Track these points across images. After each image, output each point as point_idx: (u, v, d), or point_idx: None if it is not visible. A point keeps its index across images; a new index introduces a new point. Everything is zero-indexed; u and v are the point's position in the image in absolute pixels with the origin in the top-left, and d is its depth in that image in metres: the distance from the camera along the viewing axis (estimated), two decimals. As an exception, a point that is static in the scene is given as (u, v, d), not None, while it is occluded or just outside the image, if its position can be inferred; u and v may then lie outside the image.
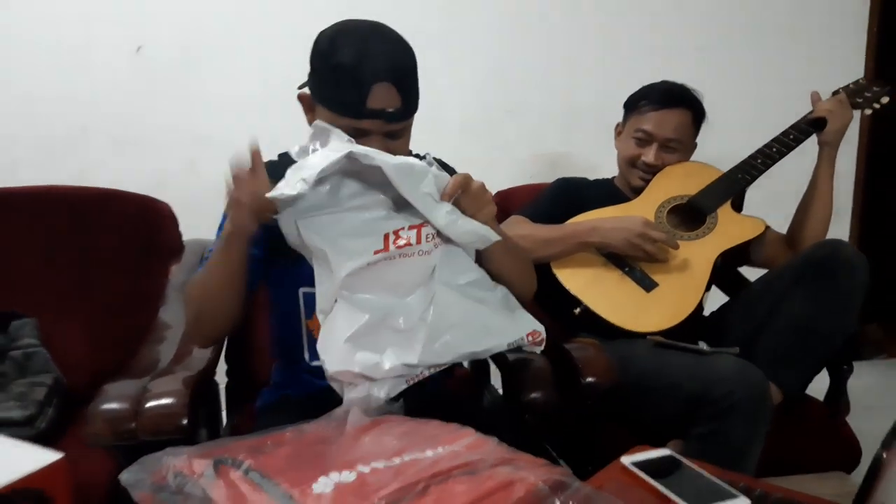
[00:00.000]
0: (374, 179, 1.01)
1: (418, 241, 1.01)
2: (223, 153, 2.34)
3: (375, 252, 0.99)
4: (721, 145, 2.09)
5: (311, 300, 1.12)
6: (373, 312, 0.98)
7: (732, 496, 0.81)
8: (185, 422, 1.07)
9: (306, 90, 1.17)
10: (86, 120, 2.22)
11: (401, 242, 1.00)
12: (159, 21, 2.20)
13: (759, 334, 1.44)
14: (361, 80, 1.06)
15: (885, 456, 0.42)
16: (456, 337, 1.00)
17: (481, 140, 2.44)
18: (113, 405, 1.09)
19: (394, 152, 1.10)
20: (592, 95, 2.45)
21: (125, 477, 0.80)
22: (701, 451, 1.19)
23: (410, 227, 1.01)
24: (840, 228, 2.83)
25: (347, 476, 0.66)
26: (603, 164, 1.85)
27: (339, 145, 0.98)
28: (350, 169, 1.00)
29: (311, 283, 1.10)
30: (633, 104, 1.73)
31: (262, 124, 2.23)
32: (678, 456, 0.92)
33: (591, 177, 1.87)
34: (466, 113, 2.41)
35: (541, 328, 1.10)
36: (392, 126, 1.11)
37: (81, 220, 1.65)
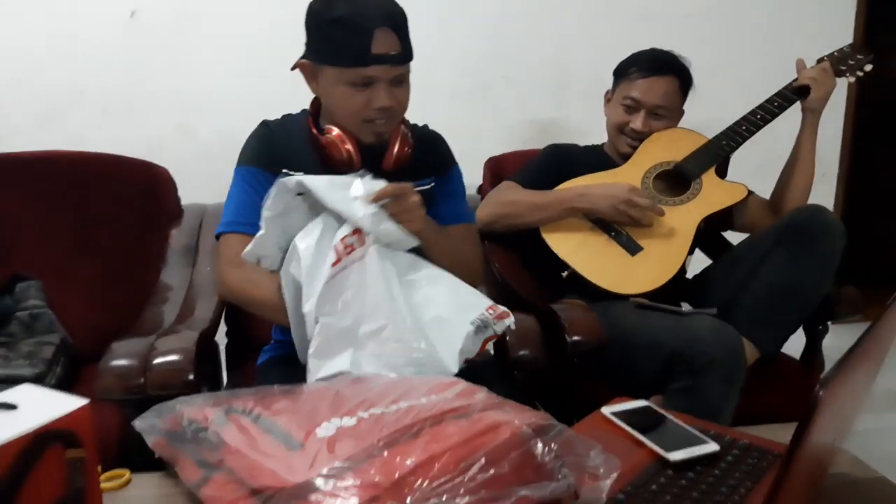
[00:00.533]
0: (314, 205, 1.09)
1: (362, 244, 1.06)
2: (216, 117, 2.37)
3: (332, 265, 1.03)
4: (709, 111, 2.12)
5: None
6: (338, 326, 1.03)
7: (703, 442, 0.88)
8: (191, 377, 1.14)
9: (304, 61, 1.22)
10: (81, 85, 2.23)
11: (349, 249, 1.05)
12: (152, -14, 2.21)
13: (738, 295, 1.50)
14: (363, 27, 1.13)
15: (821, 394, 0.47)
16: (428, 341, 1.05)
17: (473, 106, 2.46)
18: (122, 361, 1.15)
19: (400, 101, 1.22)
20: (583, 62, 2.47)
21: (139, 424, 0.85)
22: (678, 405, 1.25)
23: (353, 233, 1.06)
24: (826, 191, 2.88)
25: (348, 421, 0.72)
26: (593, 129, 1.89)
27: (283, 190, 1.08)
28: (292, 205, 1.09)
29: None
30: (623, 71, 1.77)
31: (254, 88, 2.27)
32: (654, 406, 0.98)
33: (582, 143, 1.91)
34: (458, 80, 2.43)
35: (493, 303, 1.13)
36: (396, 70, 1.18)
37: (82, 184, 1.69)
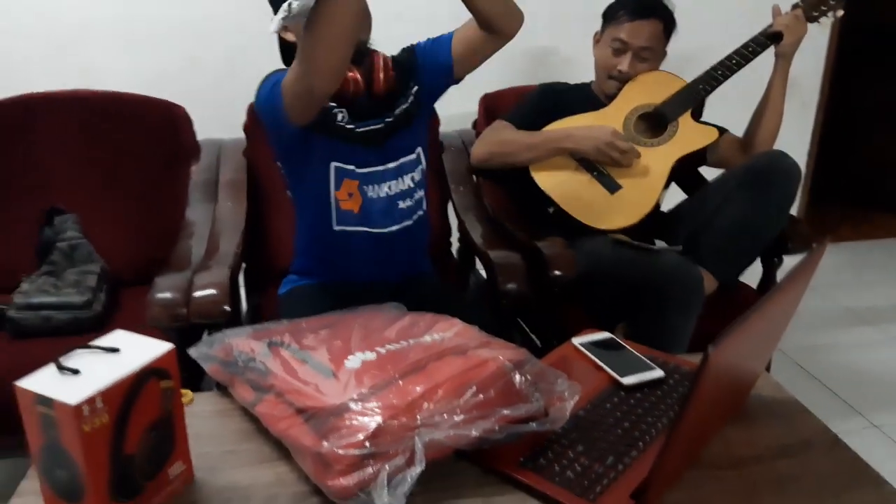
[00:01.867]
0: None
1: None
2: (222, 47, 2.45)
3: None
4: (700, 40, 2.24)
5: (340, 173, 1.39)
6: None
7: (651, 368, 1.08)
8: (226, 307, 1.33)
9: None
10: (89, 19, 2.30)
11: None
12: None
13: (703, 230, 1.69)
14: None
15: (710, 351, 0.66)
16: None
17: (470, 35, 2.54)
18: (167, 294, 1.34)
19: None
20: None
21: (194, 352, 1.05)
22: (643, 330, 1.47)
23: None
24: (806, 120, 3.01)
25: (370, 355, 0.91)
26: (584, 60, 1.99)
27: None
28: None
29: (343, 159, 1.38)
30: (611, 14, 1.88)
31: (258, 17, 2.34)
32: (615, 338, 1.18)
33: (573, 75, 2.03)
34: (457, 13, 2.49)
35: None
36: None
37: (111, 122, 1.83)
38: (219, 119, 1.99)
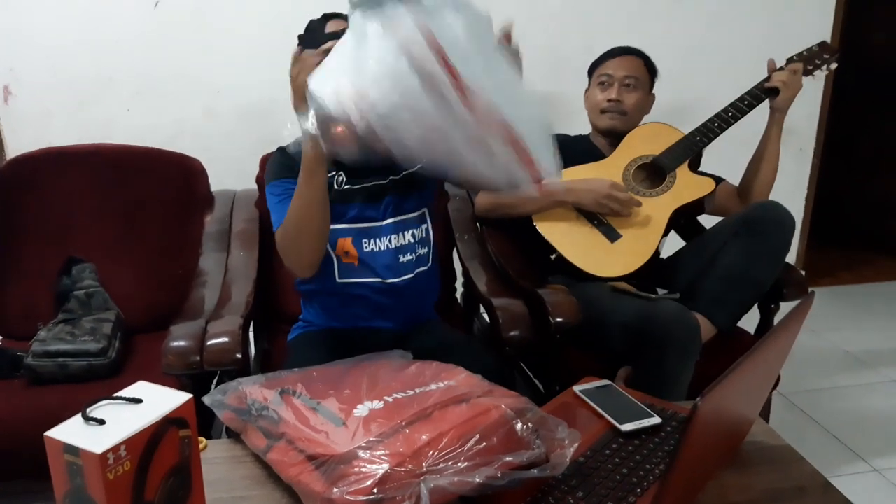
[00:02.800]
0: None
1: None
2: (236, 102, 2.55)
3: None
4: (698, 91, 2.31)
5: (334, 234, 1.42)
6: None
7: (649, 415, 1.12)
8: (239, 356, 1.38)
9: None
10: (110, 72, 2.40)
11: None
12: (174, -23, 2.36)
13: (701, 278, 1.73)
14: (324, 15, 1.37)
15: (699, 402, 0.70)
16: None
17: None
18: (181, 343, 1.39)
19: None
20: (577, 45, 2.61)
21: (208, 400, 1.09)
22: (643, 375, 1.51)
23: None
24: (803, 166, 3.08)
25: (377, 404, 0.96)
26: (583, 109, 2.06)
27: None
28: None
29: (336, 220, 1.41)
30: (594, 65, 1.99)
31: (271, 74, 2.43)
32: (615, 385, 1.22)
33: (572, 124, 2.10)
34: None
35: None
36: None
37: (127, 175, 1.90)
38: (232, 170, 2.07)
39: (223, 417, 1.07)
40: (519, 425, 0.95)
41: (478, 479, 0.86)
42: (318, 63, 1.09)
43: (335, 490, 0.83)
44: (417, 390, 1.01)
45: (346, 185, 1.46)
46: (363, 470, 0.84)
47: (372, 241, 1.47)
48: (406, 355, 1.17)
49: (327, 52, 1.10)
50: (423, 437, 0.89)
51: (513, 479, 0.88)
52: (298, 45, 1.41)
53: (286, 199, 1.39)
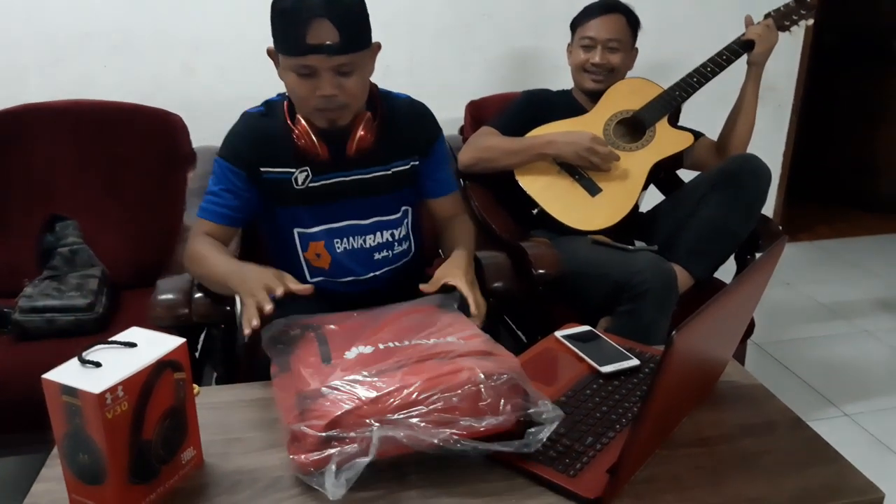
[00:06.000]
0: None
1: None
2: (215, 58, 2.52)
3: None
4: (675, 47, 2.32)
5: (305, 237, 1.39)
6: None
7: (628, 358, 1.16)
8: (227, 308, 1.40)
9: (271, 47, 1.30)
10: (86, 27, 2.35)
11: None
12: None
13: (679, 230, 1.77)
14: (299, 18, 1.19)
15: (674, 335, 0.74)
16: None
17: (456, 42, 2.61)
18: (170, 296, 1.41)
19: (347, 89, 1.25)
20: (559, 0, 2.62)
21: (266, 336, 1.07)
22: (622, 325, 1.55)
23: None
24: (781, 122, 3.12)
25: (367, 349, 0.98)
26: (566, 64, 2.07)
27: None
28: None
29: (305, 224, 1.38)
30: (577, 22, 1.99)
31: (250, 29, 2.41)
32: (595, 330, 1.26)
33: (555, 78, 2.11)
34: (442, 18, 2.57)
35: None
36: (335, 60, 1.21)
37: (109, 131, 1.89)
38: (213, 127, 2.05)
39: (264, 345, 1.06)
40: (485, 390, 0.91)
41: (433, 440, 0.86)
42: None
43: (297, 424, 0.87)
44: (412, 342, 1.00)
45: (310, 182, 1.36)
46: (324, 408, 0.87)
47: (345, 240, 1.40)
48: (448, 300, 1.15)
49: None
50: (388, 387, 0.90)
51: (474, 448, 0.87)
52: (274, 54, 1.29)
53: (221, 187, 1.35)
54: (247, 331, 1.11)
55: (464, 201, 1.97)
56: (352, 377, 0.92)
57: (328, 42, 1.20)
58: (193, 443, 0.93)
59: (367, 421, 0.87)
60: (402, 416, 0.88)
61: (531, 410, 0.92)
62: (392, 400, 0.89)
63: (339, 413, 0.86)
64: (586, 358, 1.17)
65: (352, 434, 0.86)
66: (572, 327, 1.28)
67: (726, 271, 1.85)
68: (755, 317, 1.77)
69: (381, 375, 0.92)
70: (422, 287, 1.27)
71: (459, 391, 0.90)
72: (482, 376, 0.92)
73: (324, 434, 0.85)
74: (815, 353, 2.45)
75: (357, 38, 1.25)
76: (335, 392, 0.89)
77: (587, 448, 0.94)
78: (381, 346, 0.99)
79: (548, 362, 1.19)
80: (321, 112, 1.29)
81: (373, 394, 0.89)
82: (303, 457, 0.86)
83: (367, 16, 1.27)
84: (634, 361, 1.16)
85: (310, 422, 0.87)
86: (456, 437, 0.87)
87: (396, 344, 1.00)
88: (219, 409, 1.08)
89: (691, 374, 0.95)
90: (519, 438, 0.90)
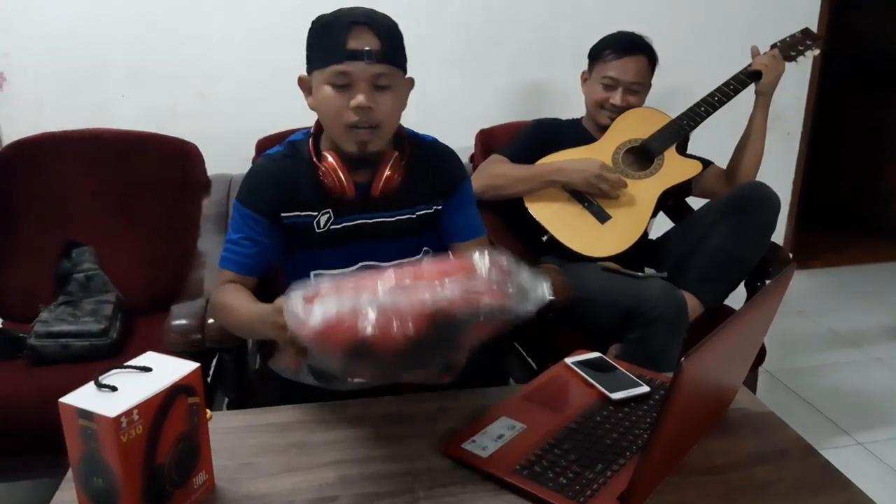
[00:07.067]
0: None
1: None
2: (229, 86, 2.57)
3: None
4: (692, 75, 2.35)
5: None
6: None
7: (638, 385, 1.16)
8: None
9: (302, 75, 1.29)
10: (104, 57, 2.41)
11: None
12: (168, -36, 2.37)
13: (689, 257, 1.77)
14: (341, 25, 1.19)
15: (683, 361, 0.74)
16: None
17: (467, 72, 2.66)
18: (183, 321, 1.42)
19: (382, 107, 1.22)
20: (569, 30, 2.66)
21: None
22: (632, 352, 1.56)
23: None
24: (790, 149, 3.13)
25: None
26: (575, 94, 2.10)
27: None
28: None
29: (322, 267, 1.34)
30: (597, 54, 1.99)
31: (261, 59, 2.47)
32: (605, 357, 1.27)
33: (564, 107, 2.13)
34: (452, 48, 2.62)
35: None
36: (374, 69, 1.19)
37: (125, 159, 1.93)
38: (227, 154, 2.09)
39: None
40: (479, 265, 0.91)
41: (427, 296, 0.84)
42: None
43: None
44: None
45: (332, 224, 1.32)
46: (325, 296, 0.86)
47: None
48: None
49: None
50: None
51: (489, 314, 0.87)
52: (306, 81, 1.29)
53: (242, 234, 1.31)
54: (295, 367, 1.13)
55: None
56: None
57: (368, 48, 1.19)
58: (206, 467, 0.94)
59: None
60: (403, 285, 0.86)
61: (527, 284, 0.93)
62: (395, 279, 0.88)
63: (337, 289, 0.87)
64: (596, 384, 1.17)
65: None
66: (582, 354, 1.29)
67: (737, 298, 1.85)
68: (766, 344, 1.77)
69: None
70: None
71: (454, 266, 0.91)
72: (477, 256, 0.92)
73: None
74: (828, 381, 2.44)
75: (396, 51, 1.24)
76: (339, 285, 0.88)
77: (597, 475, 0.94)
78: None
79: (558, 389, 1.19)
80: (353, 130, 1.24)
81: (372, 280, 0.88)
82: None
83: (403, 42, 1.26)
84: (644, 388, 1.16)
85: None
86: (446, 288, 0.85)
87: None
88: (230, 433, 1.08)
89: (701, 400, 0.95)
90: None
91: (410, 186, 1.33)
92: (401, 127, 1.36)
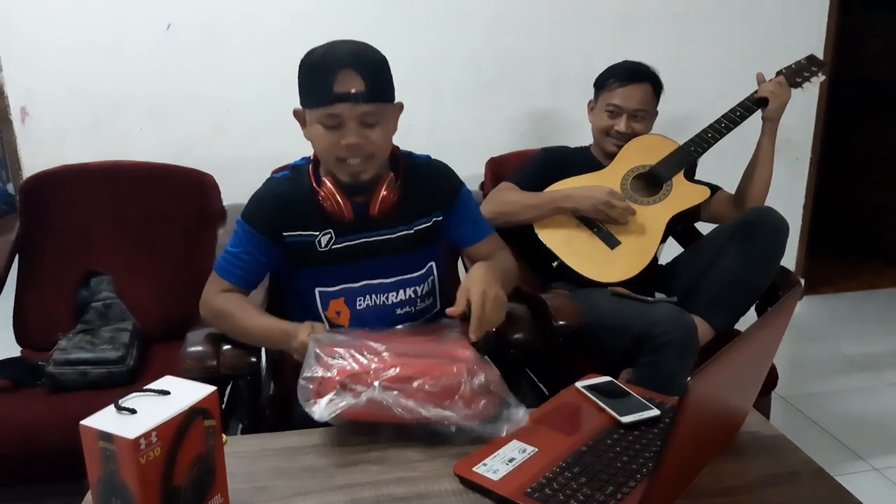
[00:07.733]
0: None
1: None
2: (245, 119, 2.63)
3: None
4: (694, 103, 2.38)
5: (326, 296, 1.42)
6: None
7: (648, 408, 1.17)
8: (253, 360, 1.43)
9: (297, 108, 1.36)
10: (124, 92, 2.48)
11: None
12: (186, 1, 2.44)
13: (699, 282, 1.79)
14: (327, 69, 1.25)
15: (690, 382, 0.75)
16: None
17: (476, 102, 2.70)
18: (199, 348, 1.44)
19: (372, 140, 1.29)
20: (576, 61, 2.70)
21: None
22: (643, 376, 1.56)
23: None
24: (800, 174, 3.14)
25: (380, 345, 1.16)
26: (582, 122, 2.13)
27: None
28: None
29: (325, 284, 1.41)
30: (602, 83, 2.03)
31: (277, 92, 2.51)
32: (615, 381, 1.28)
33: (572, 135, 2.16)
34: (463, 78, 2.67)
35: None
36: (360, 108, 1.26)
37: (143, 190, 1.97)
38: (242, 185, 2.13)
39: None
40: (464, 386, 1.10)
41: (418, 413, 1.07)
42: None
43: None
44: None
45: (333, 244, 1.39)
46: (327, 374, 1.11)
47: (367, 297, 1.41)
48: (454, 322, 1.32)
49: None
50: (392, 371, 1.10)
51: (461, 429, 1.07)
52: (301, 114, 1.36)
53: (241, 249, 1.40)
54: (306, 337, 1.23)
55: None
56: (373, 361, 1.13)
57: (354, 90, 1.25)
58: (221, 490, 0.95)
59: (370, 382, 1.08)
60: (396, 386, 1.08)
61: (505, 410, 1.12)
62: (391, 370, 1.10)
63: (350, 371, 1.10)
64: (607, 408, 1.18)
65: (358, 387, 1.08)
66: (592, 378, 1.30)
67: (748, 324, 1.85)
68: (779, 370, 1.77)
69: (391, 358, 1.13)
70: (448, 311, 1.30)
71: (444, 378, 1.10)
72: (466, 374, 1.11)
73: (338, 378, 1.09)
74: (842, 406, 2.42)
75: (381, 89, 1.30)
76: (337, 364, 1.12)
77: (608, 498, 0.94)
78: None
79: (568, 413, 1.20)
80: (345, 164, 1.32)
81: (363, 368, 1.11)
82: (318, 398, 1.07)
83: (390, 73, 1.33)
84: (655, 411, 1.16)
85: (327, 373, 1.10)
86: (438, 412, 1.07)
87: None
88: (245, 457, 1.10)
89: (710, 422, 0.96)
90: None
91: (407, 204, 1.41)
92: (395, 147, 1.44)
